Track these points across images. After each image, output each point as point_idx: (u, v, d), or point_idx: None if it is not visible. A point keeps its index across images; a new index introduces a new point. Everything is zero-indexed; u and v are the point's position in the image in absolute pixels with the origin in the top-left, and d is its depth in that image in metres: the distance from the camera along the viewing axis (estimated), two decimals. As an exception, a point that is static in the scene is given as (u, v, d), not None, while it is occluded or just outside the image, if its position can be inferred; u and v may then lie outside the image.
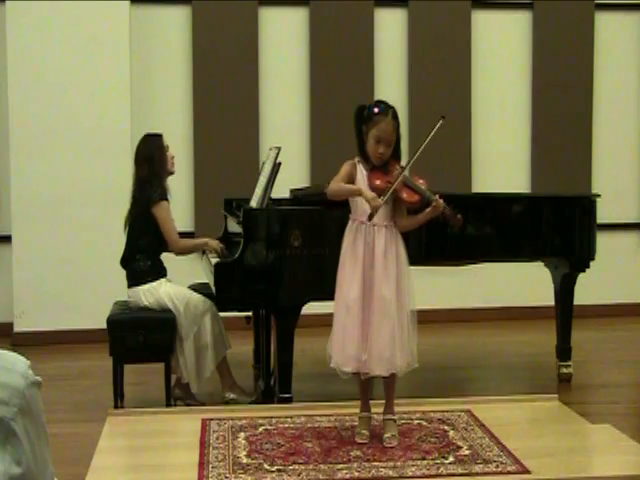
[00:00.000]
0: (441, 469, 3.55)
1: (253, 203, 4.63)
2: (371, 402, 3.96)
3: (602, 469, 3.73)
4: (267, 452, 3.75)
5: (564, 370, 5.16)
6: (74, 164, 6.40)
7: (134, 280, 4.67)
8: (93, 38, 6.41)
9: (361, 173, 3.81)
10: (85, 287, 6.41)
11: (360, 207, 3.79)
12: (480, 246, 4.86)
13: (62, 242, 6.39)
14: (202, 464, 3.63)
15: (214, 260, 4.51)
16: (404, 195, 3.79)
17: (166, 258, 4.79)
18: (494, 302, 7.11)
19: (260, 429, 4.07)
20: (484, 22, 7.15)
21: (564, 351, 5.18)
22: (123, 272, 4.75)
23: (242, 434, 4.01)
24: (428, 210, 3.78)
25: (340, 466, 3.58)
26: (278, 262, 4.35)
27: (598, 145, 7.29)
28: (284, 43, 6.95)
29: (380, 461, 3.63)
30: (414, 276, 3.87)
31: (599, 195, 5.26)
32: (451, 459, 3.66)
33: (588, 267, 5.10)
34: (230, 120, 6.77)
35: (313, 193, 4.85)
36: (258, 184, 4.74)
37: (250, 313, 5.33)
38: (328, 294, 3.96)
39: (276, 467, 3.57)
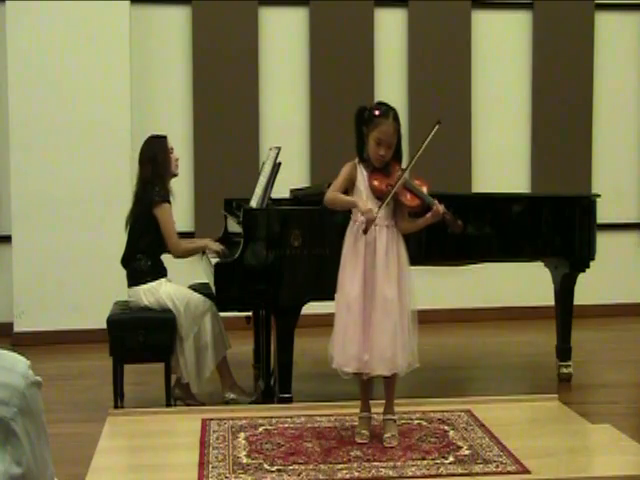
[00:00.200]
0: (441, 469, 3.55)
1: (253, 203, 4.63)
2: (371, 402, 3.96)
3: (602, 469, 3.73)
4: (267, 452, 3.75)
5: (564, 370, 5.16)
6: (74, 164, 6.40)
7: (134, 280, 4.67)
8: (93, 38, 6.41)
9: (362, 174, 3.81)
10: (85, 287, 6.41)
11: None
12: (480, 246, 4.86)
13: (62, 242, 6.39)
14: (202, 464, 3.63)
15: (214, 260, 4.51)
16: (404, 199, 3.79)
17: (166, 258, 4.79)
18: (494, 302, 7.11)
19: (260, 429, 4.07)
20: (484, 22, 7.15)
21: (564, 351, 5.18)
22: (123, 272, 4.75)
23: (242, 434, 4.01)
24: (428, 215, 3.77)
25: (340, 466, 3.58)
26: (278, 262, 4.35)
27: (598, 145, 7.29)
28: (284, 43, 6.95)
29: (380, 461, 3.63)
30: (414, 276, 3.87)
31: (599, 195, 5.26)
32: (451, 459, 3.66)
33: (588, 267, 5.10)
34: (230, 120, 6.77)
35: (313, 193, 4.85)
36: (258, 184, 4.74)
37: (250, 313, 5.33)
38: (328, 294, 3.96)
39: (276, 467, 3.57)
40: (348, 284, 3.77)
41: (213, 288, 4.38)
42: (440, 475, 3.49)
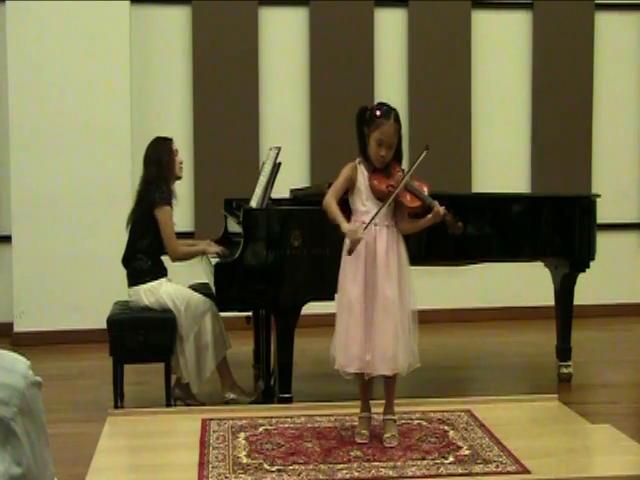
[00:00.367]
0: (441, 469, 3.55)
1: (253, 203, 4.63)
2: (371, 402, 3.96)
3: (602, 469, 3.73)
4: (267, 452, 3.75)
5: (564, 370, 5.16)
6: (74, 164, 6.40)
7: (135, 279, 4.68)
8: (93, 38, 6.41)
9: (362, 175, 3.81)
10: (85, 287, 6.41)
11: (361, 208, 3.80)
12: (480, 246, 4.86)
13: (62, 242, 6.39)
14: (202, 464, 3.63)
15: (214, 260, 4.51)
16: (405, 200, 3.79)
17: (167, 258, 4.79)
18: (494, 302, 7.11)
19: (260, 429, 4.07)
20: (484, 22, 7.15)
21: (564, 351, 5.18)
22: (123, 272, 4.75)
23: (242, 434, 4.01)
24: (429, 217, 3.77)
25: (340, 466, 3.58)
26: (278, 262, 4.35)
27: (598, 145, 7.29)
28: (284, 43, 6.94)
29: (380, 461, 3.63)
30: (414, 276, 3.88)
31: (599, 195, 5.26)
32: (451, 459, 3.66)
33: (588, 267, 5.10)
34: (230, 120, 6.77)
35: (313, 193, 4.85)
36: (258, 184, 4.74)
37: (250, 313, 5.33)
38: (328, 294, 3.96)
39: (276, 467, 3.57)
40: (349, 285, 3.77)
41: (213, 288, 4.38)
42: (440, 475, 3.49)
